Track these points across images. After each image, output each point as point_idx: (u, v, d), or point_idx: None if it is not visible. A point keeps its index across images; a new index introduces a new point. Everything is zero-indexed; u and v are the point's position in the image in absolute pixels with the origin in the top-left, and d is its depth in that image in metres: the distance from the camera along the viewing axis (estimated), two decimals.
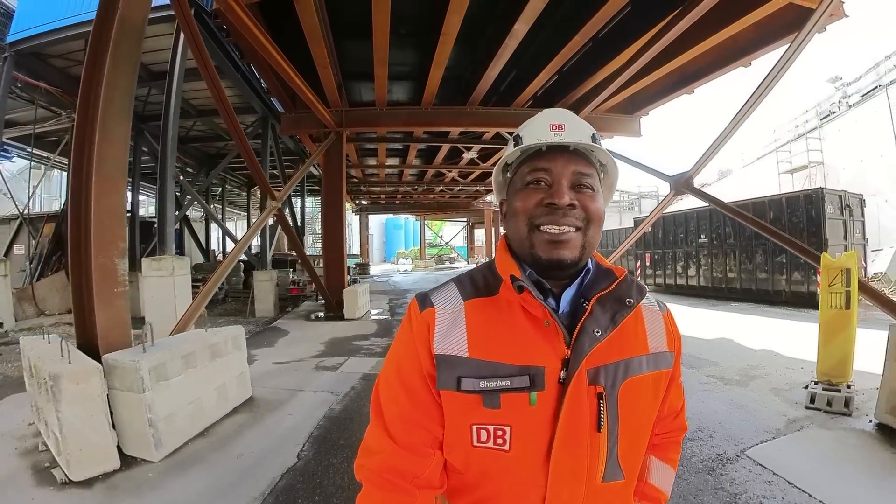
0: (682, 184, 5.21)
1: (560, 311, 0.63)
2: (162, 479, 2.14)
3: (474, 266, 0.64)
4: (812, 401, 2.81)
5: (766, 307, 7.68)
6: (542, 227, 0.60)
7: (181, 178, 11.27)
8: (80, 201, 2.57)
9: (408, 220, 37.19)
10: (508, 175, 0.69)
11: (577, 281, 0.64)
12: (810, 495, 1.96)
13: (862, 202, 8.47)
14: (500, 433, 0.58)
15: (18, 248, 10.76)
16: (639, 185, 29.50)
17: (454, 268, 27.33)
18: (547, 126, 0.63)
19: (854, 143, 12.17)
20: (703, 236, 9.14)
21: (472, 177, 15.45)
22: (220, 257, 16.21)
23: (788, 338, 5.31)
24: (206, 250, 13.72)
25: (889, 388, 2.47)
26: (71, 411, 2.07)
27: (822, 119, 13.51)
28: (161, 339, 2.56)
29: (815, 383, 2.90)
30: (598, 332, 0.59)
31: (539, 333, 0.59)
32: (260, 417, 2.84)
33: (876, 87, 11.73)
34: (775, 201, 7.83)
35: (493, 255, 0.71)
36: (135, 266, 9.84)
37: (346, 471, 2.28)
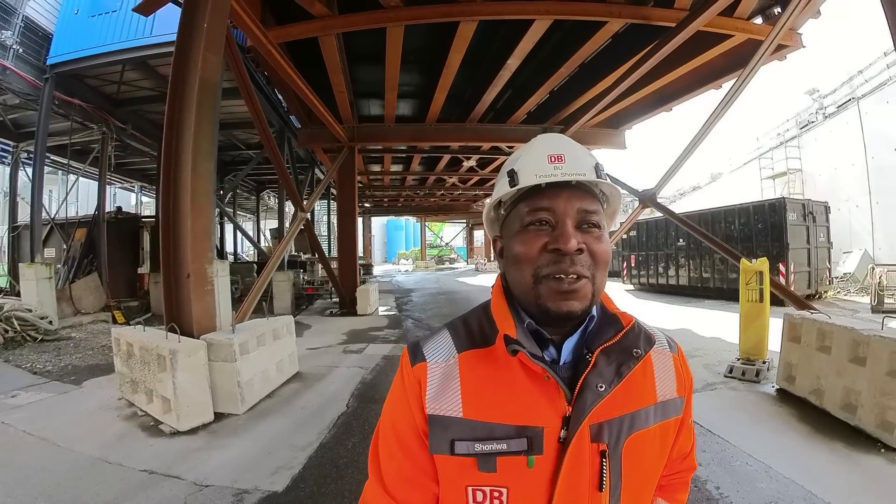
0: (648, 198, 6.05)
1: (561, 362, 0.59)
2: (249, 424, 2.98)
3: (471, 309, 0.68)
4: (730, 371, 3.65)
5: (735, 303, 8.50)
6: (550, 277, 0.55)
7: None
8: (171, 221, 3.41)
9: (408, 221, 38.05)
10: (502, 212, 0.64)
11: (581, 329, 0.60)
12: (708, 429, 2.80)
13: (826, 209, 9.32)
14: (496, 494, 0.55)
15: (48, 252, 11.58)
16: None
17: (454, 268, 28.16)
18: (544, 158, 0.57)
19: (829, 151, 13.04)
20: (681, 240, 10.00)
21: (472, 182, 16.30)
22: (231, 258, 17.03)
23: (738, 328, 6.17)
24: (221, 251, 14.52)
25: (784, 361, 3.30)
26: (184, 377, 2.90)
27: (801, 128, 14.37)
28: (239, 325, 3.39)
29: (738, 360, 3.74)
30: (601, 386, 0.55)
31: (538, 389, 0.56)
32: (310, 385, 3.69)
33: (849, 100, 12.58)
34: (744, 209, 8.69)
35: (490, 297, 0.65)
36: (159, 269, 10.67)
37: (376, 418, 3.12)
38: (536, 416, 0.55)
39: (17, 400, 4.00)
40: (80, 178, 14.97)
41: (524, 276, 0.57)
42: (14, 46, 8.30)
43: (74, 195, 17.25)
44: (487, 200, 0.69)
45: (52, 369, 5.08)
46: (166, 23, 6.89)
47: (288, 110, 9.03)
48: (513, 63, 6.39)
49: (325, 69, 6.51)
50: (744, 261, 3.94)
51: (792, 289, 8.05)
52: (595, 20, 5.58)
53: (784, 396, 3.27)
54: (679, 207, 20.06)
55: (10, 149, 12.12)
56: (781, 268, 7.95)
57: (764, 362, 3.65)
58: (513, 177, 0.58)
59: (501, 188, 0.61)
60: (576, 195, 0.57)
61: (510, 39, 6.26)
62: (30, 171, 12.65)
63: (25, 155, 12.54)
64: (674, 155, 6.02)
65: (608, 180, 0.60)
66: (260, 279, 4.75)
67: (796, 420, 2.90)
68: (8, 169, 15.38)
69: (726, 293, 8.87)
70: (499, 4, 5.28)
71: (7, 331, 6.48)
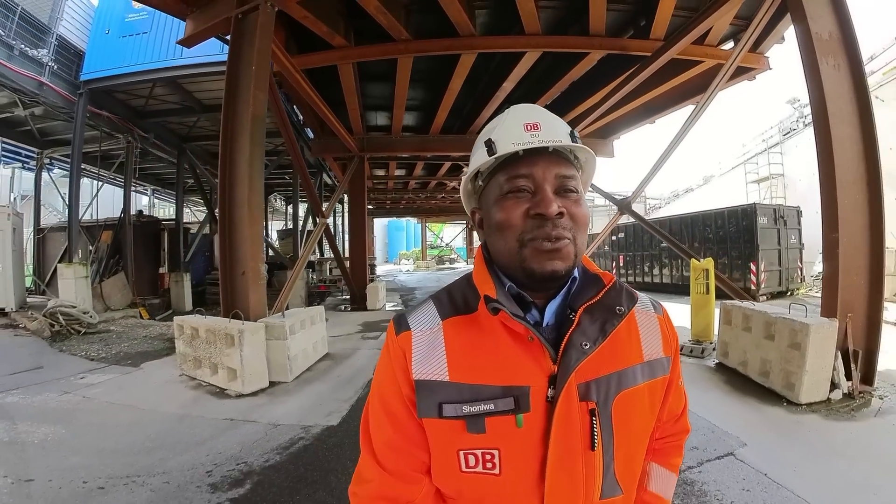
0: (624, 206, 6.92)
1: (545, 324, 0.60)
2: (297, 388, 3.84)
3: (454, 281, 0.70)
4: (681, 349, 4.51)
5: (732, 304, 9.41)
6: (534, 241, 0.56)
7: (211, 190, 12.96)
8: (229, 229, 4.26)
9: (409, 222, 38.93)
10: (480, 183, 0.65)
11: (563, 290, 0.61)
12: None
13: (799, 213, 10.20)
14: (488, 457, 0.56)
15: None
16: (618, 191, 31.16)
17: (454, 268, 29.03)
18: (520, 126, 0.59)
19: (808, 157, 13.91)
20: (664, 242, 10.86)
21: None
22: None
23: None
24: None
25: (721, 340, 4.17)
26: (249, 351, 3.76)
27: (783, 135, 15.26)
28: (287, 311, 4.25)
29: (689, 341, 4.61)
30: (586, 344, 0.56)
31: (523, 350, 0.57)
32: (339, 361, 4.57)
33: None
34: (720, 213, 9.58)
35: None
36: (181, 266, 11.52)
37: None
38: (522, 376, 0.56)
39: (87, 380, 4.84)
40: (96, 182, 15.81)
41: (508, 242, 0.58)
42: (49, 63, 9.13)
43: (89, 198, 18.07)
44: (464, 176, 0.68)
45: (105, 356, 5.92)
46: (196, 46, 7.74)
47: (303, 123, 9.88)
48: (508, 86, 7.27)
49: (337, 86, 7.36)
50: (693, 260, 4.79)
51: (762, 286, 8.95)
52: (581, 51, 6.45)
53: (720, 368, 4.13)
54: (672, 209, 20.98)
55: (35, 155, 12.94)
56: (752, 267, 8.82)
57: (711, 343, 4.51)
58: (490, 146, 0.59)
59: (479, 158, 0.62)
60: (553, 161, 0.58)
61: (506, 63, 7.13)
62: (45, 174, 13.52)
63: (48, 161, 13.38)
64: (652, 164, 6.83)
65: (581, 144, 0.60)
66: (292, 277, 5.60)
67: (724, 384, 3.77)
68: (22, 172, 16.21)
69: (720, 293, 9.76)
70: (494, 39, 6.15)
71: (53, 325, 7.32)
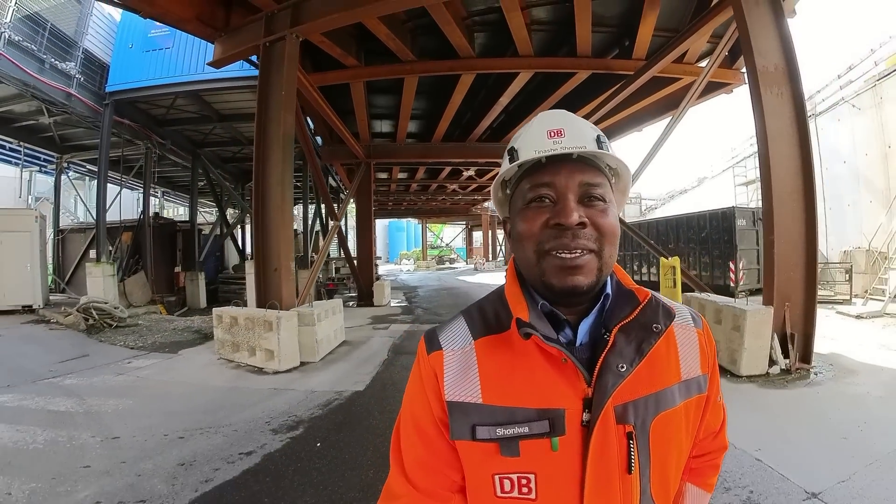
0: None
1: (578, 343, 0.58)
2: (324, 366, 4.56)
3: (486, 295, 0.67)
4: None
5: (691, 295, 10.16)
6: (551, 253, 0.55)
7: (222, 193, 13.69)
8: (263, 233, 4.98)
9: (410, 222, 39.67)
10: (508, 192, 0.64)
11: (597, 308, 0.59)
12: None
13: None
14: (524, 482, 0.55)
15: (94, 253, 13.09)
16: None
17: (454, 268, 29.76)
18: (544, 133, 0.58)
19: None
20: (652, 242, 11.61)
21: (471, 188, 17.91)
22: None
23: None
24: (242, 252, 16.05)
25: None
26: (285, 335, 4.48)
27: None
28: (314, 303, 4.97)
29: None
30: (622, 366, 0.54)
31: (557, 372, 0.55)
32: (356, 346, 5.30)
33: (809, 116, 14.23)
34: (703, 216, 10.32)
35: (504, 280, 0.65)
36: (196, 266, 12.22)
37: (411, 359, 4.74)
38: (557, 399, 0.55)
39: (134, 364, 5.55)
40: (109, 185, 16.50)
41: (527, 253, 0.57)
42: (77, 76, 9.84)
43: (92, 200, 18.71)
44: (493, 184, 0.67)
45: (143, 345, 6.63)
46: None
47: (313, 131, 10.60)
48: (504, 100, 8.00)
49: (346, 96, 8.09)
50: (662, 259, 5.51)
51: (741, 283, 9.69)
52: (569, 71, 7.18)
53: None
54: (666, 210, 21.72)
55: (55, 159, 13.64)
56: (731, 265, 9.56)
57: None
58: (513, 154, 0.59)
59: (504, 166, 0.62)
60: (577, 168, 0.57)
61: (503, 79, 7.85)
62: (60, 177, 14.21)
63: (66, 165, 14.08)
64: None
65: (611, 152, 0.58)
66: (312, 273, 6.31)
67: None
68: (36, 175, 16.89)
69: (686, 287, 10.49)
70: (491, 60, 6.88)
71: (88, 319, 8.03)
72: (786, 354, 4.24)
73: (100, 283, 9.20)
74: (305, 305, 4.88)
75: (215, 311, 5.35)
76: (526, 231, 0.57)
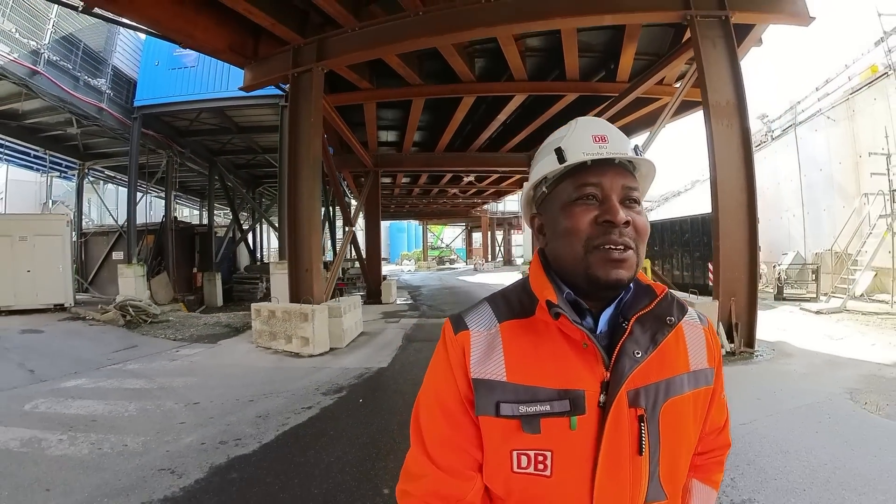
0: None
1: (598, 332, 0.63)
2: (350, 351, 5.53)
3: (508, 285, 0.72)
4: None
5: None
6: (600, 248, 0.59)
7: (233, 196, 14.62)
8: (296, 240, 5.93)
9: (410, 223, 40.63)
10: (544, 190, 0.68)
11: (616, 300, 0.64)
12: None
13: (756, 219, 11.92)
14: (540, 458, 0.58)
15: (117, 255, 14.01)
16: None
17: (454, 268, 30.72)
18: (589, 137, 0.63)
19: (774, 168, 15.68)
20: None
21: (470, 192, 18.88)
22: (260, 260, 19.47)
23: None
24: (253, 253, 16.99)
25: None
26: (318, 324, 5.44)
27: (756, 147, 17.00)
28: (339, 299, 5.93)
29: None
30: (638, 353, 0.59)
31: (577, 356, 0.60)
32: (374, 336, 6.27)
33: (789, 126, 15.25)
34: (685, 220, 11.32)
35: (527, 272, 0.70)
36: (213, 267, 13.14)
37: (423, 345, 5.70)
38: (577, 381, 0.59)
39: (183, 352, 6.47)
40: (120, 188, 17.41)
41: (574, 247, 0.61)
42: (107, 91, 10.78)
43: (114, 203, 19.77)
44: (526, 183, 0.72)
45: (183, 337, 7.54)
46: (239, 79, 9.34)
47: (325, 142, 11.56)
48: (501, 117, 8.97)
49: (356, 110, 9.02)
50: None
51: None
52: (559, 93, 8.14)
53: None
54: (662, 211, 22.72)
55: (77, 166, 14.56)
56: (710, 266, 10.53)
57: None
58: (560, 154, 0.62)
59: (546, 165, 0.65)
60: (620, 173, 0.62)
61: (501, 98, 8.81)
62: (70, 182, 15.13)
63: (87, 171, 14.99)
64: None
65: (646, 158, 0.64)
66: (332, 272, 7.26)
67: None
68: (53, 179, 17.79)
69: (671, 286, 11.46)
70: (489, 84, 7.84)
71: (125, 315, 8.96)
72: (731, 340, 5.20)
73: (132, 282, 10.13)
74: (332, 301, 5.84)
75: (254, 306, 6.30)
76: (573, 227, 0.61)
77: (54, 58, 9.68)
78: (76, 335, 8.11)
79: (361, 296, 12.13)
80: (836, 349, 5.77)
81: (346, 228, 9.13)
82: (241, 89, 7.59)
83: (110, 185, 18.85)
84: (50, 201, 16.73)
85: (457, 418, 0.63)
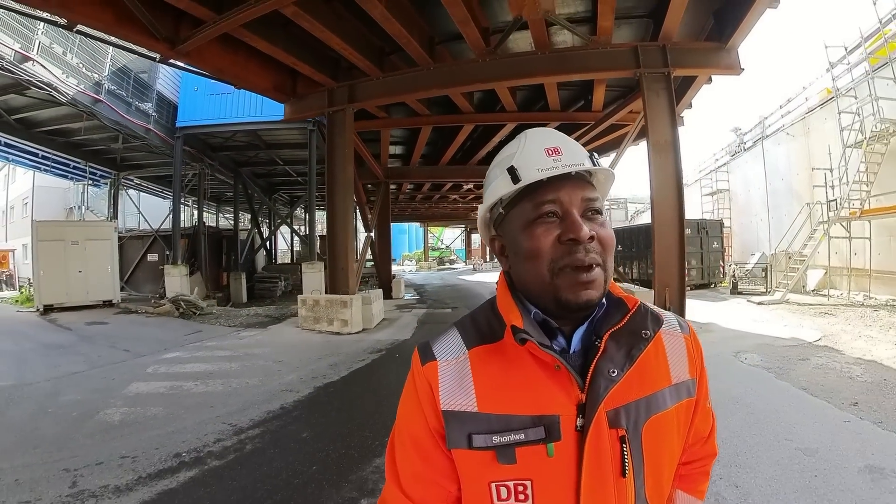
0: None
1: (571, 350, 0.63)
2: (378, 330, 7.44)
3: (477, 307, 0.72)
4: None
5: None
6: (566, 269, 0.59)
7: (253, 199, 16.45)
8: (335, 244, 7.80)
9: (411, 225, 42.51)
10: (501, 211, 0.67)
11: (589, 317, 0.63)
12: None
13: (721, 225, 13.84)
14: (520, 488, 0.58)
15: (151, 257, 15.84)
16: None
17: (454, 268, 32.61)
18: (541, 151, 0.62)
19: (746, 176, 17.61)
20: (619, 247, 14.48)
21: (470, 198, 20.79)
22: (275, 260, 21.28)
23: None
24: (270, 255, 18.81)
25: None
26: (355, 310, 7.34)
27: (731, 156, 18.94)
28: (367, 291, 7.80)
29: None
30: (613, 371, 0.59)
31: (550, 379, 0.59)
32: (393, 321, 8.17)
33: (758, 139, 17.19)
34: (643, 228, 13.17)
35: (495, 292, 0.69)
36: (238, 267, 14.96)
37: (433, 326, 7.60)
38: (551, 405, 0.58)
39: (243, 334, 8.26)
40: (146, 195, 19.24)
41: (539, 270, 0.60)
42: (153, 114, 12.63)
43: (135, 208, 21.51)
44: (481, 206, 0.70)
45: (235, 325, 9.34)
46: (272, 105, 11.13)
47: None
48: (496, 139, 10.85)
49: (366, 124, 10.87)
50: None
51: (686, 280, 12.52)
52: (543, 122, 10.02)
53: None
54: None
55: (111, 176, 16.38)
56: None
57: None
58: (514, 173, 0.61)
59: (500, 186, 0.64)
60: (578, 185, 0.61)
61: (495, 126, 10.70)
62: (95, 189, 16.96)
63: (121, 180, 16.80)
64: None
65: (603, 166, 0.64)
66: (357, 271, 9.10)
67: None
68: (77, 186, 19.56)
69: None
70: (485, 115, 9.73)
71: (178, 308, 10.80)
72: None
73: (177, 280, 11.97)
74: (362, 292, 7.72)
75: (300, 297, 8.18)
76: (536, 249, 0.60)
77: (112, 87, 11.52)
78: (141, 325, 9.90)
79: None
80: (751, 328, 7.67)
81: (366, 234, 11.01)
82: (283, 120, 9.44)
83: (132, 191, 20.70)
84: (83, 207, 18.52)
85: (429, 452, 0.63)
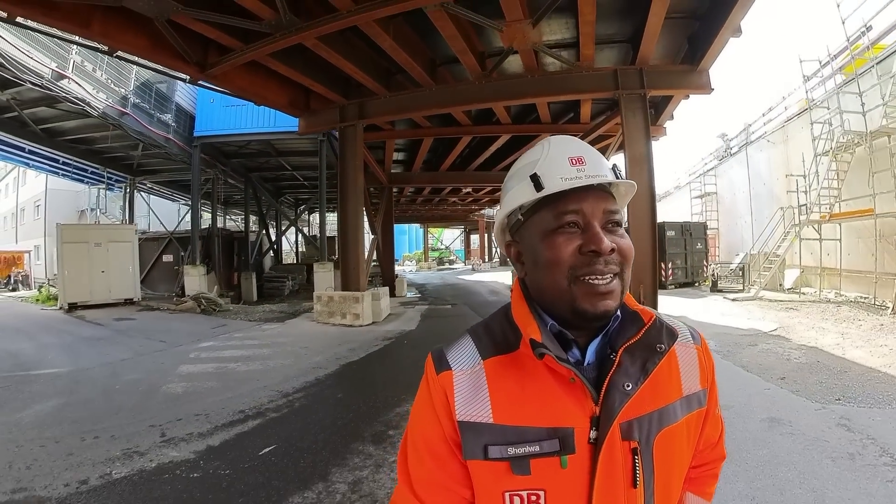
0: None
1: (586, 363, 0.64)
2: (386, 322, 8.49)
3: (492, 314, 0.73)
4: None
5: None
6: (585, 279, 0.60)
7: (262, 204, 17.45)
8: (348, 247, 8.83)
9: (411, 226, 43.54)
10: (519, 217, 0.67)
11: (604, 329, 0.65)
12: None
13: (705, 227, 14.88)
14: (533, 498, 0.59)
15: (167, 258, 16.83)
16: None
17: (453, 268, 33.64)
18: (565, 160, 0.62)
19: (732, 180, 18.65)
20: None
21: (469, 200, 21.84)
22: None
23: None
24: (277, 255, 19.81)
25: None
26: (366, 304, 8.37)
27: (719, 161, 19.99)
28: (375, 288, 8.82)
29: None
30: (628, 385, 0.60)
31: (565, 391, 0.60)
32: (399, 315, 9.22)
33: (744, 144, 18.23)
34: None
35: (510, 300, 0.70)
36: (249, 267, 15.96)
37: (435, 320, 8.64)
38: (566, 418, 0.60)
39: (265, 327, 9.26)
40: (164, 200, 20.23)
41: (556, 279, 0.61)
42: (172, 124, 13.63)
43: (145, 211, 22.46)
44: (498, 211, 0.71)
45: (255, 319, 10.34)
46: (284, 117, 12.10)
47: None
48: (493, 148, 11.88)
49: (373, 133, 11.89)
50: None
51: (671, 279, 13.57)
52: (536, 133, 11.06)
53: None
54: None
55: (126, 180, 17.36)
56: (662, 265, 13.45)
57: None
58: (537, 181, 0.62)
59: (521, 193, 0.64)
60: (601, 197, 0.62)
61: (491, 137, 11.73)
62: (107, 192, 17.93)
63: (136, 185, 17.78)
64: None
65: (626, 179, 0.65)
66: (367, 270, 10.12)
67: None
68: (90, 189, 20.54)
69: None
70: (482, 127, 10.76)
71: (199, 305, 11.81)
72: None
73: (196, 280, 12.98)
74: (371, 289, 8.75)
75: (316, 294, 9.21)
76: (555, 258, 0.61)
77: (136, 100, 12.53)
78: (167, 320, 10.87)
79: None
80: (718, 321, 8.70)
81: (372, 236, 12.03)
82: (297, 133, 10.45)
83: (143, 194, 21.68)
84: (98, 210, 19.53)
85: (443, 458, 0.64)
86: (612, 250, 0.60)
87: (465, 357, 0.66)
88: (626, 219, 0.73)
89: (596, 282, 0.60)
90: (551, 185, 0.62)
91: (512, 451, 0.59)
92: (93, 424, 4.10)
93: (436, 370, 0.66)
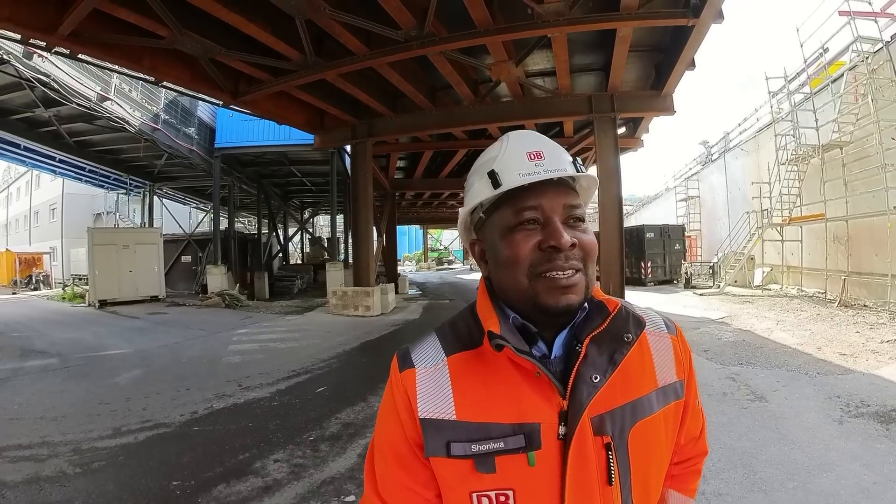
0: None
1: (553, 356, 0.63)
2: (393, 314, 10.15)
3: (458, 312, 0.73)
4: None
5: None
6: (546, 275, 0.59)
7: (271, 208, 19.04)
8: (359, 249, 10.45)
9: (411, 227, 45.15)
10: (481, 215, 0.67)
11: (572, 322, 0.64)
12: None
13: (683, 229, 16.48)
14: (502, 499, 0.58)
15: (185, 258, 18.41)
16: None
17: (452, 268, 35.27)
18: (524, 155, 0.62)
19: (713, 184, 20.27)
20: None
21: None
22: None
23: None
24: (286, 254, 21.43)
25: None
26: (376, 298, 9.99)
27: (701, 166, 21.61)
28: (383, 284, 10.43)
29: None
30: (596, 377, 0.59)
31: (531, 386, 0.60)
32: (403, 308, 10.88)
33: (723, 151, 19.85)
34: (627, 230, 15.83)
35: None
36: (261, 267, 17.54)
37: (435, 311, 10.27)
38: (532, 413, 0.59)
39: (287, 319, 10.83)
40: (167, 202, 21.79)
41: (517, 277, 0.61)
42: (195, 136, 15.22)
43: (159, 214, 24.02)
44: (461, 209, 0.71)
45: (276, 313, 11.89)
46: (299, 131, 13.65)
47: None
48: None
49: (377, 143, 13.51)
50: None
51: (650, 277, 15.17)
52: None
53: None
54: (640, 216, 27.32)
55: (145, 186, 18.91)
56: (642, 264, 15.07)
57: None
58: (494, 178, 0.61)
59: (481, 191, 0.64)
60: (560, 191, 0.62)
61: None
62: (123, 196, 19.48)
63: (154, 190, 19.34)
64: None
65: (586, 172, 0.64)
66: (372, 270, 11.71)
67: None
68: (107, 193, 22.06)
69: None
70: (475, 141, 12.37)
71: (224, 300, 13.39)
72: None
73: (218, 278, 14.56)
74: (380, 285, 10.37)
75: (331, 289, 10.84)
76: (514, 255, 0.61)
77: (165, 116, 14.12)
78: (196, 314, 12.40)
79: None
80: (677, 311, 10.29)
81: (376, 238, 13.67)
82: (313, 148, 12.06)
83: (181, 205, 23.21)
84: (117, 214, 21.11)
85: (407, 461, 0.64)
86: (573, 245, 0.60)
87: (428, 354, 0.67)
88: (596, 222, 1.32)
89: (557, 276, 0.60)
90: (509, 182, 0.61)
91: (475, 447, 0.59)
92: (180, 382, 5.62)
93: (399, 368, 0.67)
